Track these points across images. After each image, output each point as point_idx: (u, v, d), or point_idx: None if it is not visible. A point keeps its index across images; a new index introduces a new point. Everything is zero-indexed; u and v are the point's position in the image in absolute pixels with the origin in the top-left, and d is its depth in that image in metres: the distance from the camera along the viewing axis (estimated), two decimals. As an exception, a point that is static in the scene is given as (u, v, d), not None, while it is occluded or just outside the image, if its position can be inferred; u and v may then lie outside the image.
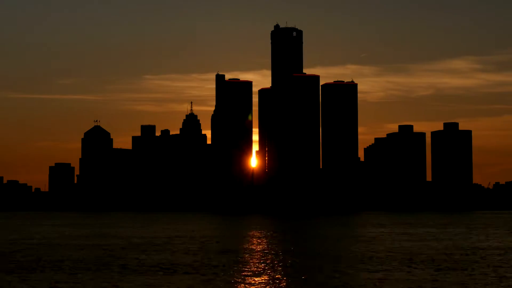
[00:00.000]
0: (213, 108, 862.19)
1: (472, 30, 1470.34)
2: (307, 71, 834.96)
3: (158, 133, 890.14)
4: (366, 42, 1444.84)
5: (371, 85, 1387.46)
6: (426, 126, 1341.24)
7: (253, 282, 51.62)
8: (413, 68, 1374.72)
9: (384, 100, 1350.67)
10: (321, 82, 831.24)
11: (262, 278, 54.00)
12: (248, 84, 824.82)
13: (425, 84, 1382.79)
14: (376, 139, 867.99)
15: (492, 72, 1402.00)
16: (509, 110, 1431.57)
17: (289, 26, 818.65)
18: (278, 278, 53.85)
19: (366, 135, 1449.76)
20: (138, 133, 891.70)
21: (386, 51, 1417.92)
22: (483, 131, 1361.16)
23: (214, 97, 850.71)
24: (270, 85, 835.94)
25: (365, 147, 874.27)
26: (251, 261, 71.10)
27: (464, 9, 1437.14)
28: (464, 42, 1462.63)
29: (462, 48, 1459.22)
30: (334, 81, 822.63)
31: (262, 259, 72.89)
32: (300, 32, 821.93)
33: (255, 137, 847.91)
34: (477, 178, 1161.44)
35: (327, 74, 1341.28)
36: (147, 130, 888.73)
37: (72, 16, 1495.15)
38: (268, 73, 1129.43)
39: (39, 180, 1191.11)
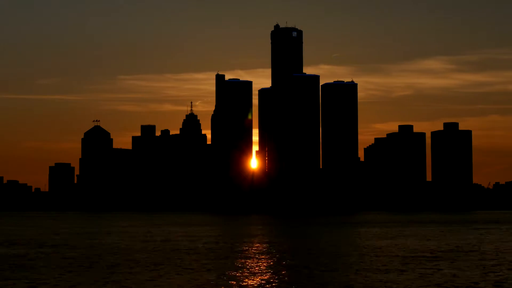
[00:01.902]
0: (213, 108, 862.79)
1: (441, 31, 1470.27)
2: (307, 71, 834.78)
3: (158, 133, 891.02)
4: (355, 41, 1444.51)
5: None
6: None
7: (250, 282, 51.55)
8: (386, 69, 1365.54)
9: (366, 100, 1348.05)
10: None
11: (259, 278, 53.93)
12: (248, 84, 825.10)
13: (403, 84, 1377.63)
14: (376, 139, 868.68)
15: (467, 72, 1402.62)
16: (494, 110, 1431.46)
17: (289, 26, 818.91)
18: (275, 278, 53.78)
19: (366, 135, 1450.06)
20: (135, 134, 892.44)
21: (357, 51, 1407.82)
22: (473, 131, 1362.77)
23: (214, 97, 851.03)
24: (270, 85, 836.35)
25: (365, 147, 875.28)
26: (248, 261, 71.06)
27: (430, 10, 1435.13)
28: (434, 42, 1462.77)
29: (433, 49, 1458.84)
30: (334, 81, 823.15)
31: (260, 259, 72.84)
32: (300, 32, 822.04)
33: (255, 137, 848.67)
34: (477, 178, 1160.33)
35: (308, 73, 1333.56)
36: (147, 130, 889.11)
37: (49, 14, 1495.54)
38: (268, 73, 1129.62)
39: (39, 180, 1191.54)
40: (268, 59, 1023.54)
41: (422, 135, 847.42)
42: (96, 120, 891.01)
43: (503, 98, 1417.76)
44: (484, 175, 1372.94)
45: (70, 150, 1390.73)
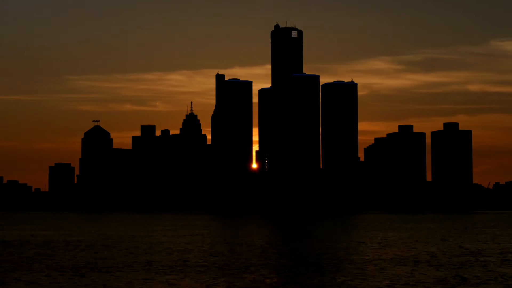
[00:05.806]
0: (212, 107, 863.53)
1: (379, 31, 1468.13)
2: (307, 70, 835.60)
3: (158, 133, 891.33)
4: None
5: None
6: (373, 125, 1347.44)
7: (249, 282, 51.45)
8: (332, 69, 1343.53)
9: None
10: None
11: (258, 279, 53.83)
12: (248, 84, 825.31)
13: (358, 85, 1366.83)
14: (376, 139, 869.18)
15: (417, 72, 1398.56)
16: (460, 110, 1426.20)
17: (289, 26, 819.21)
18: (274, 278, 53.66)
19: (366, 136, 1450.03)
20: (135, 133, 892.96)
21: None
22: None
23: (215, 97, 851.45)
24: (270, 85, 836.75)
25: (365, 147, 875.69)
26: (247, 261, 70.97)
27: (365, 9, 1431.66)
28: (373, 42, 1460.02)
29: (373, 49, 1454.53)
30: (334, 81, 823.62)
31: (258, 260, 72.75)
32: (300, 32, 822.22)
33: (255, 137, 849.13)
34: (477, 178, 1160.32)
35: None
36: (147, 130, 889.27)
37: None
38: (268, 73, 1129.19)
39: (39, 180, 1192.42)
40: (268, 59, 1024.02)
41: (422, 135, 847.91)
42: (96, 120, 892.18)
43: (466, 98, 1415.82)
44: (484, 175, 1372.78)
45: (70, 150, 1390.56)
